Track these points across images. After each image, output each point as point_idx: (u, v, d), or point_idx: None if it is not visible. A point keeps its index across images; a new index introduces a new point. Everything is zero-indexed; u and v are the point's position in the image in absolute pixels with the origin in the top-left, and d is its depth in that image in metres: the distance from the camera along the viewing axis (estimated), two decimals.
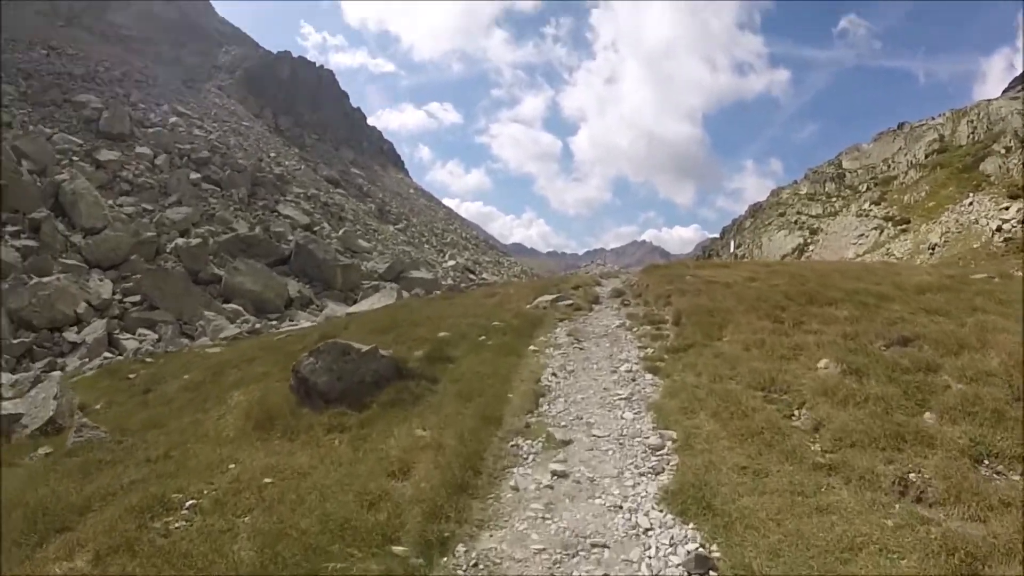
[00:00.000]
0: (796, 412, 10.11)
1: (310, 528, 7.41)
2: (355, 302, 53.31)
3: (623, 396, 12.02)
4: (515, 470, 9.21)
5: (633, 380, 13.15)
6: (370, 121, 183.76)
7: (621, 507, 7.96)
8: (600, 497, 8.30)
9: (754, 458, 8.64)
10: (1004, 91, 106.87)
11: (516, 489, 8.63)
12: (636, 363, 14.69)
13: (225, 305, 52.90)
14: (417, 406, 11.95)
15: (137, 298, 49.03)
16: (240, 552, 7.15)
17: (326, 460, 9.85)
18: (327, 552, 6.96)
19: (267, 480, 9.18)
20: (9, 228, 50.78)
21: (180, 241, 59.17)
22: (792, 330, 14.60)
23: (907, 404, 9.70)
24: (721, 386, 11.32)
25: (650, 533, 7.30)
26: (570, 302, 22.02)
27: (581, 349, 16.40)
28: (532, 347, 16.31)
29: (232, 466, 10.05)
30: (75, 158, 68.90)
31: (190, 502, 8.80)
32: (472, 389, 12.40)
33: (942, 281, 19.46)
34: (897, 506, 7.21)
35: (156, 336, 44.07)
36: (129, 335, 44.08)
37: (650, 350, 15.73)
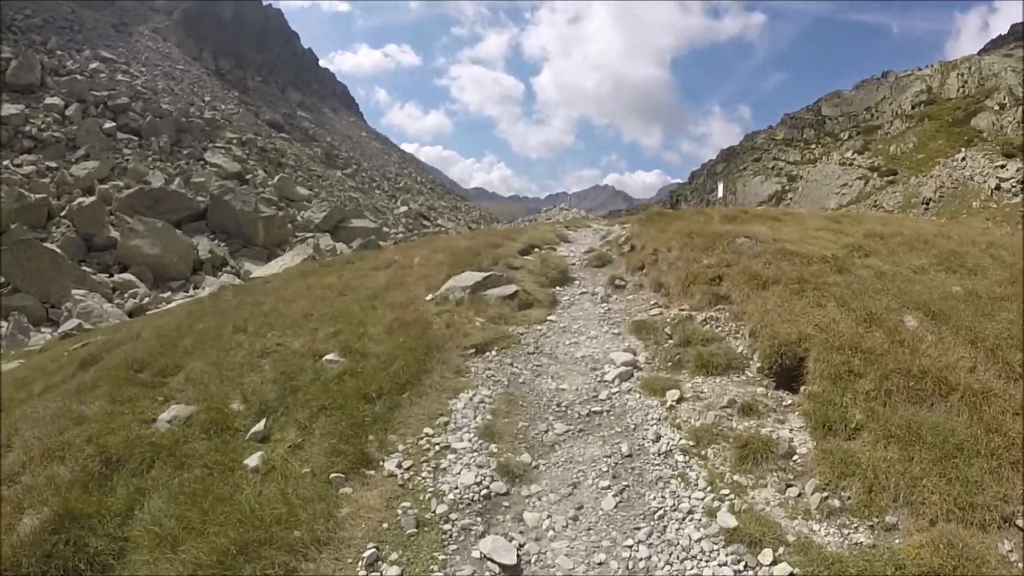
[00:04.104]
0: None
1: None
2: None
3: None
4: None
5: None
6: (322, 63, 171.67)
7: None
8: None
9: None
10: (985, 48, 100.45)
11: None
12: None
13: (118, 276, 41.26)
14: None
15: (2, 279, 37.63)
16: None
17: None
18: None
19: None
20: None
21: (77, 202, 47.20)
22: None
23: None
24: None
25: None
26: (511, 291, 10.25)
27: None
28: None
29: None
30: None
31: None
32: None
33: None
34: None
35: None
36: None
37: None
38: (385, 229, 68.75)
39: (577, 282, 11.91)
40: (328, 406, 6.72)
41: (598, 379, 7.32)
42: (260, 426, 6.63)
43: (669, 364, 7.53)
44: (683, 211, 18.33)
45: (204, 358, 9.23)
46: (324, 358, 8.10)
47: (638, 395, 6.84)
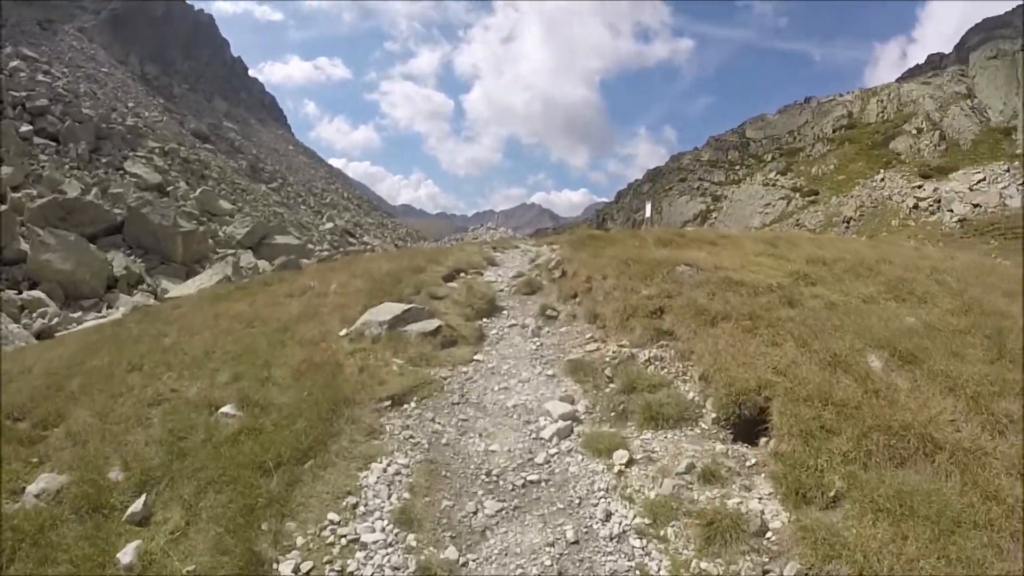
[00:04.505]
0: None
1: None
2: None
3: None
4: None
5: None
6: (252, 73, 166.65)
7: None
8: None
9: None
10: (903, 76, 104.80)
11: None
12: None
13: (27, 293, 38.41)
14: None
15: None
16: None
17: None
18: None
19: None
20: None
21: None
22: None
23: None
24: None
25: None
26: (433, 326, 9.10)
27: None
28: None
29: None
30: None
31: None
32: None
33: None
34: None
35: None
36: None
37: None
38: (310, 246, 66.57)
39: (506, 312, 10.91)
40: (218, 478, 5.60)
41: (533, 436, 6.32)
42: (139, 504, 5.48)
43: (613, 415, 6.60)
44: (616, 234, 17.35)
45: (91, 406, 8.04)
46: (220, 411, 6.97)
47: (580, 457, 5.86)
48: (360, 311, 9.99)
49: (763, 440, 5.80)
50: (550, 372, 7.96)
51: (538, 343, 9.19)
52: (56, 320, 34.38)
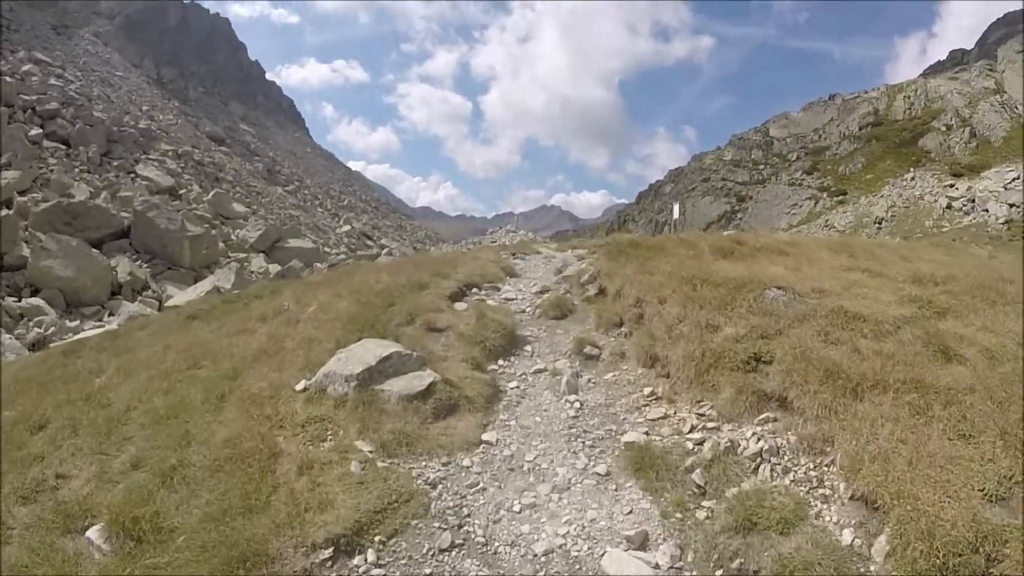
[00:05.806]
0: None
1: None
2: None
3: None
4: None
5: None
6: (269, 76, 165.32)
7: None
8: None
9: None
10: (925, 72, 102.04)
11: None
12: None
13: (26, 301, 36.13)
14: None
15: None
16: None
17: None
18: None
19: None
20: None
21: None
22: None
23: None
24: None
25: None
26: (424, 383, 6.15)
27: None
28: None
29: None
30: None
31: None
32: None
33: None
34: None
35: None
36: None
37: None
38: (326, 249, 64.01)
39: (529, 347, 8.01)
40: None
41: None
42: None
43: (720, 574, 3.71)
44: (661, 240, 14.04)
45: None
46: (87, 533, 4.25)
47: None
48: (332, 349, 7.20)
49: None
50: (600, 469, 5.01)
51: (577, 404, 6.32)
52: (52, 330, 32.05)
